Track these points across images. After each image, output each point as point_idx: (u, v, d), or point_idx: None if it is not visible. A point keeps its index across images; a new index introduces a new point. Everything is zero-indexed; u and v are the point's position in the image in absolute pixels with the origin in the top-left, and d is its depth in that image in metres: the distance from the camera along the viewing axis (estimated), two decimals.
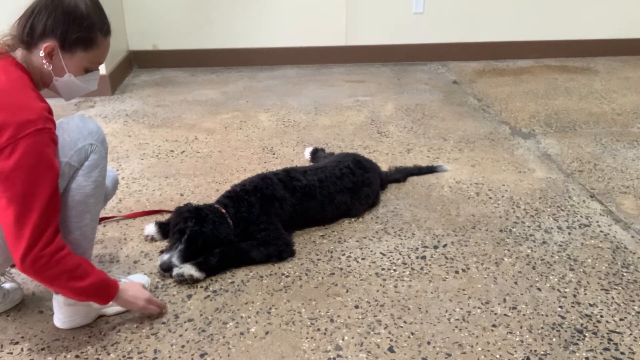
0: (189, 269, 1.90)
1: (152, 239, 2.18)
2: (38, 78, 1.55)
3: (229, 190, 2.17)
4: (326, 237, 2.21)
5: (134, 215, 2.36)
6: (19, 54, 1.52)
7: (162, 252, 2.04)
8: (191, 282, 1.91)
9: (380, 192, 2.52)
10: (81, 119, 1.60)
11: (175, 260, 1.94)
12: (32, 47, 1.51)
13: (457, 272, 1.99)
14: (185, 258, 1.94)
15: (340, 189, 2.28)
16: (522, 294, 1.86)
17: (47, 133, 1.42)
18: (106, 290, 1.58)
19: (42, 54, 1.50)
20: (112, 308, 1.76)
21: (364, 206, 2.37)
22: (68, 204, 1.57)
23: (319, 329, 1.71)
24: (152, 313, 1.73)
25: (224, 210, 2.05)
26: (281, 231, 2.09)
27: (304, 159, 2.92)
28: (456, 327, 1.72)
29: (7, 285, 1.81)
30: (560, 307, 1.80)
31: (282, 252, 2.04)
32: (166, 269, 1.94)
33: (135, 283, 1.73)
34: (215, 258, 1.96)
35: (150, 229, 2.19)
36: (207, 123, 3.48)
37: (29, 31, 1.49)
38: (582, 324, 1.72)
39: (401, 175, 2.67)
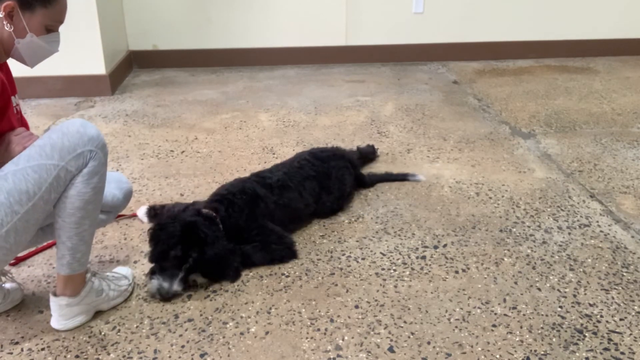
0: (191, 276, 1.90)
1: (140, 221, 2.25)
2: None
3: (217, 194, 2.11)
4: (326, 237, 2.21)
5: (135, 215, 2.36)
6: None
7: (152, 274, 1.86)
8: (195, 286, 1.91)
9: (365, 189, 2.53)
10: (82, 124, 1.57)
11: (176, 287, 1.82)
12: None
13: (457, 272, 1.99)
14: (185, 283, 1.86)
15: (306, 177, 2.30)
16: (522, 294, 1.86)
17: None
18: None
19: (1, 14, 1.47)
20: (108, 303, 1.77)
21: (334, 195, 2.35)
22: (67, 211, 1.56)
23: (319, 329, 1.71)
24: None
25: (216, 215, 1.96)
26: (279, 232, 2.08)
27: None
28: (456, 327, 1.72)
29: (7, 285, 1.81)
30: (560, 307, 1.80)
31: (284, 257, 2.04)
32: (167, 298, 1.82)
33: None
34: None
35: (142, 211, 2.31)
36: (207, 123, 3.48)
37: None
38: (582, 324, 1.73)
39: (376, 179, 2.66)
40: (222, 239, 1.91)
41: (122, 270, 1.89)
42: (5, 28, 1.49)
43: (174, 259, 1.82)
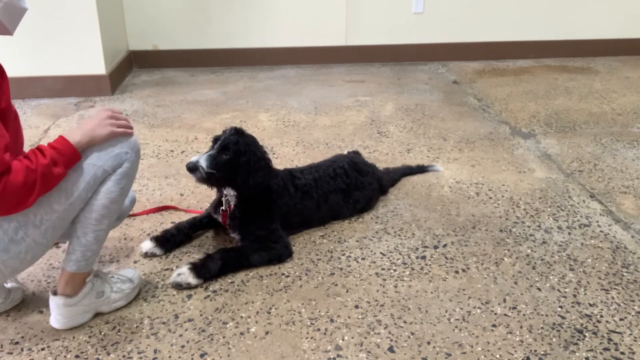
0: (186, 277, 1.89)
1: (153, 255, 2.08)
2: None
3: None
4: (326, 237, 2.21)
5: (143, 213, 2.35)
6: None
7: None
8: (188, 288, 1.90)
9: (381, 197, 2.50)
10: None
11: (202, 162, 1.94)
12: None
13: (457, 272, 1.99)
14: (213, 165, 1.94)
15: (333, 189, 2.26)
16: (522, 294, 1.86)
17: None
18: (69, 157, 1.51)
19: None
20: (109, 305, 1.77)
21: (350, 211, 2.33)
22: (93, 207, 1.60)
23: (319, 329, 1.71)
24: (124, 134, 1.63)
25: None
26: (280, 232, 2.08)
27: (304, 159, 2.92)
28: (456, 327, 1.72)
29: (8, 285, 1.81)
30: (560, 307, 1.80)
31: (282, 256, 2.04)
32: (192, 169, 1.94)
33: (87, 120, 1.61)
34: (216, 265, 1.93)
35: (148, 245, 2.08)
36: (207, 123, 3.48)
37: None
38: (582, 324, 1.73)
39: (396, 176, 2.67)
40: (265, 157, 2.04)
41: (127, 273, 1.87)
42: None
43: (213, 141, 2.06)
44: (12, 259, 1.53)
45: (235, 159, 1.97)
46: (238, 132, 2.03)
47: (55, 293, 1.68)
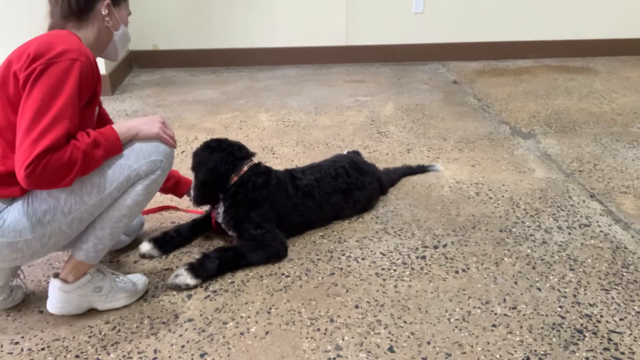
0: (184, 278, 1.88)
1: (151, 257, 2.08)
2: (93, 48, 1.67)
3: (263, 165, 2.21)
4: (326, 237, 2.21)
5: (143, 213, 2.35)
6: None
7: None
8: (187, 289, 1.90)
9: (381, 196, 2.50)
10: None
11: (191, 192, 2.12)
12: (85, 14, 1.64)
13: (457, 272, 1.99)
14: (196, 187, 2.06)
15: (335, 189, 2.26)
16: (522, 294, 1.86)
17: (78, 63, 1.50)
18: (111, 144, 1.59)
19: (105, 11, 1.67)
20: (105, 303, 1.77)
21: (351, 210, 2.33)
22: (117, 206, 1.65)
23: (319, 329, 1.71)
24: (167, 142, 1.72)
25: (256, 162, 2.13)
26: (275, 230, 2.08)
27: (304, 159, 2.92)
28: (456, 327, 1.72)
29: (12, 283, 1.82)
30: (560, 307, 1.80)
31: (280, 252, 2.04)
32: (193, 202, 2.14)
33: (140, 119, 1.71)
34: (213, 264, 1.93)
35: (146, 247, 2.08)
36: (207, 123, 3.48)
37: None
38: (582, 324, 1.73)
39: (396, 176, 2.67)
40: (221, 160, 2.06)
41: (134, 277, 1.87)
42: (105, 24, 1.69)
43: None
44: (35, 241, 1.57)
45: (203, 171, 2.06)
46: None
47: (56, 276, 1.71)
